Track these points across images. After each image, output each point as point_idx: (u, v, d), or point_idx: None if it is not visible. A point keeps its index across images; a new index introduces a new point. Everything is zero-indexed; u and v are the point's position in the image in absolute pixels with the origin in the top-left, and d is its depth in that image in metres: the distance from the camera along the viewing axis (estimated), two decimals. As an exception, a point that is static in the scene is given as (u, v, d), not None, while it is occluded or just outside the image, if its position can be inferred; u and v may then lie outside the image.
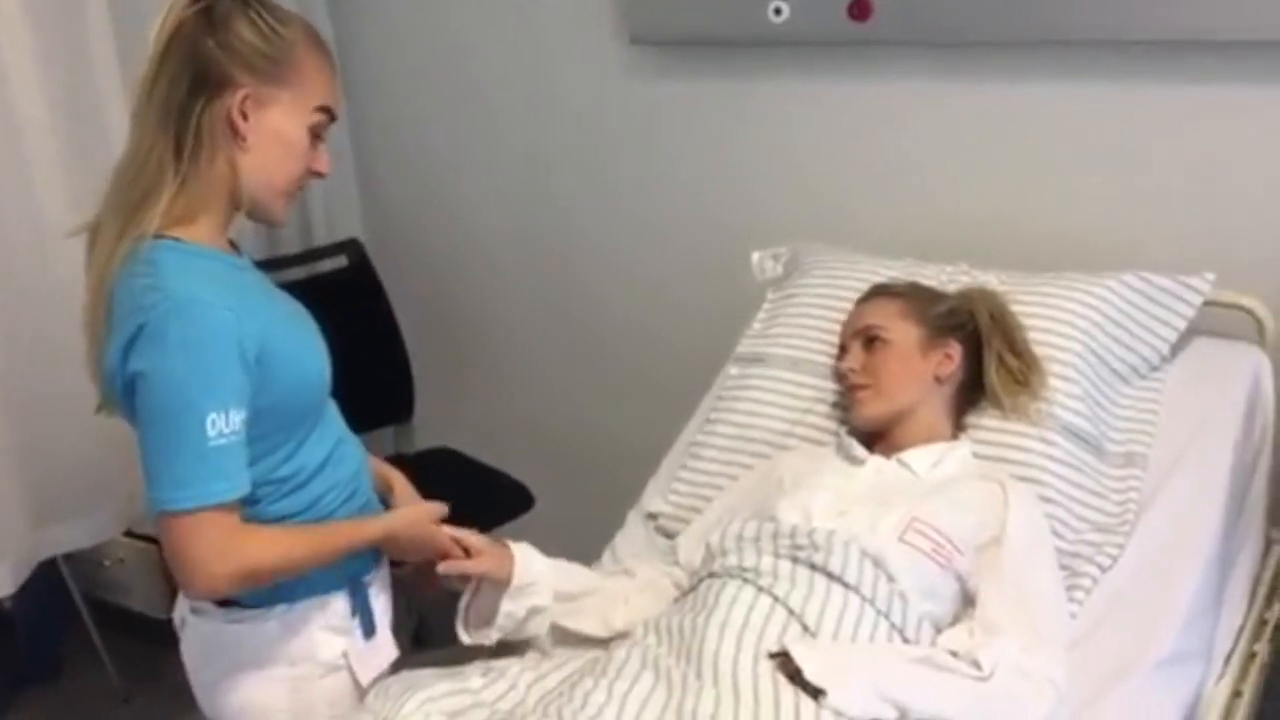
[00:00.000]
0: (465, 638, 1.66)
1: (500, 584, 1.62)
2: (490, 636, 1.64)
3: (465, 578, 1.63)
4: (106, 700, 2.81)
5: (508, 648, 1.71)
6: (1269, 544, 1.95)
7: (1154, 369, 1.90)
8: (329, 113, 1.48)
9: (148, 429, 1.36)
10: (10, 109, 2.15)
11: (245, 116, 1.41)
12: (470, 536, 1.62)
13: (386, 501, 1.68)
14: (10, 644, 2.85)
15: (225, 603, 1.51)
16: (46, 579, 2.68)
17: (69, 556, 2.69)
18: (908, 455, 1.69)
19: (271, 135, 1.44)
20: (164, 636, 2.82)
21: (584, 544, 1.78)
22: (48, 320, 2.22)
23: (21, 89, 2.15)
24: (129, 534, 2.81)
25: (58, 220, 2.21)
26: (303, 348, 1.50)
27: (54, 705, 2.83)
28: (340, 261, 2.80)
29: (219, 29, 1.39)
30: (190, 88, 1.39)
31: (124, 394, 1.38)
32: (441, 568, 1.59)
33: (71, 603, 2.82)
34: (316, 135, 1.48)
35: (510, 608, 1.62)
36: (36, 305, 2.20)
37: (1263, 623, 1.81)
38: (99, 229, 1.44)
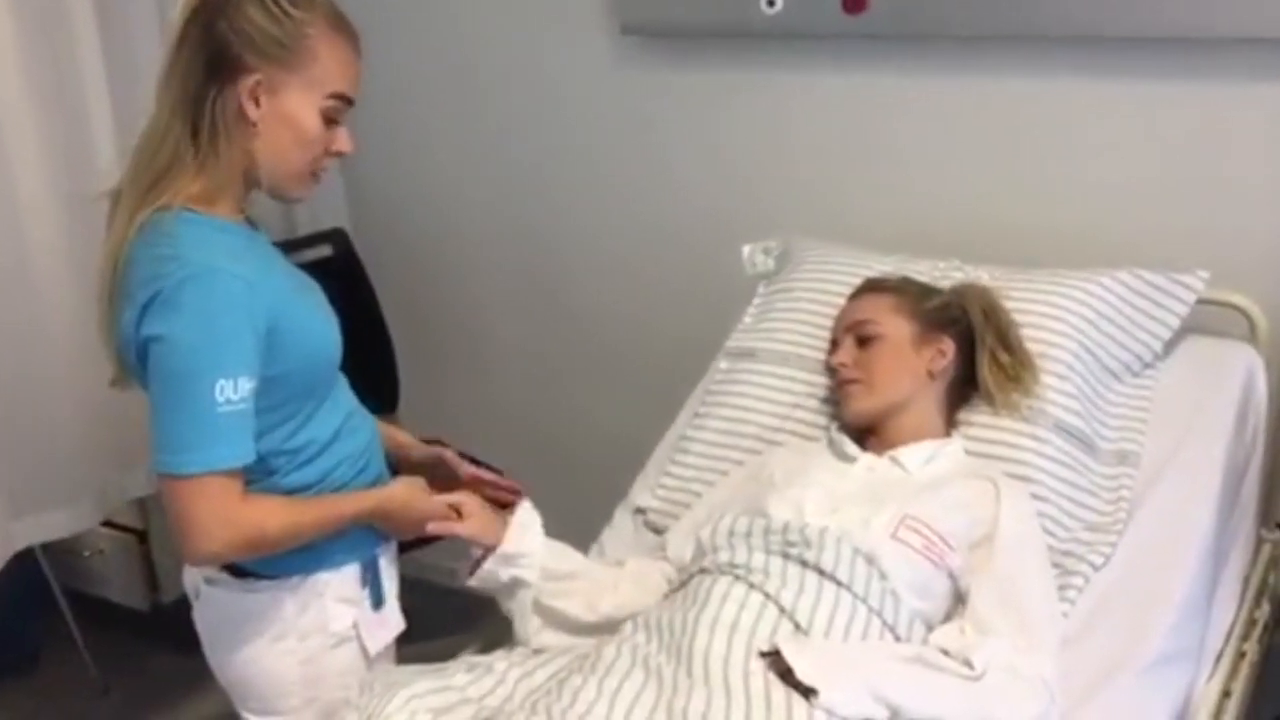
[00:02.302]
0: (465, 579, 1.70)
1: (490, 548, 1.66)
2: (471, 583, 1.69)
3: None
4: (85, 692, 2.79)
5: (494, 643, 1.71)
6: (1259, 543, 1.94)
7: (1147, 366, 1.89)
8: (344, 99, 1.48)
9: (157, 393, 1.38)
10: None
11: (257, 102, 1.42)
12: (465, 499, 1.67)
13: (394, 463, 1.71)
14: (-13, 635, 2.82)
15: (241, 573, 1.54)
16: (24, 570, 2.65)
17: (47, 547, 2.67)
18: (900, 452, 1.68)
19: (283, 120, 1.44)
20: (143, 628, 2.83)
21: (570, 538, 1.77)
22: (25, 309, 2.20)
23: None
24: (108, 525, 2.79)
25: (34, 205, 2.18)
26: (314, 320, 1.53)
27: (32, 697, 2.81)
28: (324, 251, 2.77)
29: (230, 10, 1.40)
30: (205, 74, 1.41)
31: (138, 360, 1.41)
32: (430, 527, 1.63)
33: (50, 594, 2.80)
34: (332, 120, 1.48)
35: (493, 568, 1.66)
36: (14, 294, 2.18)
37: (1252, 622, 1.81)
38: (119, 200, 1.47)
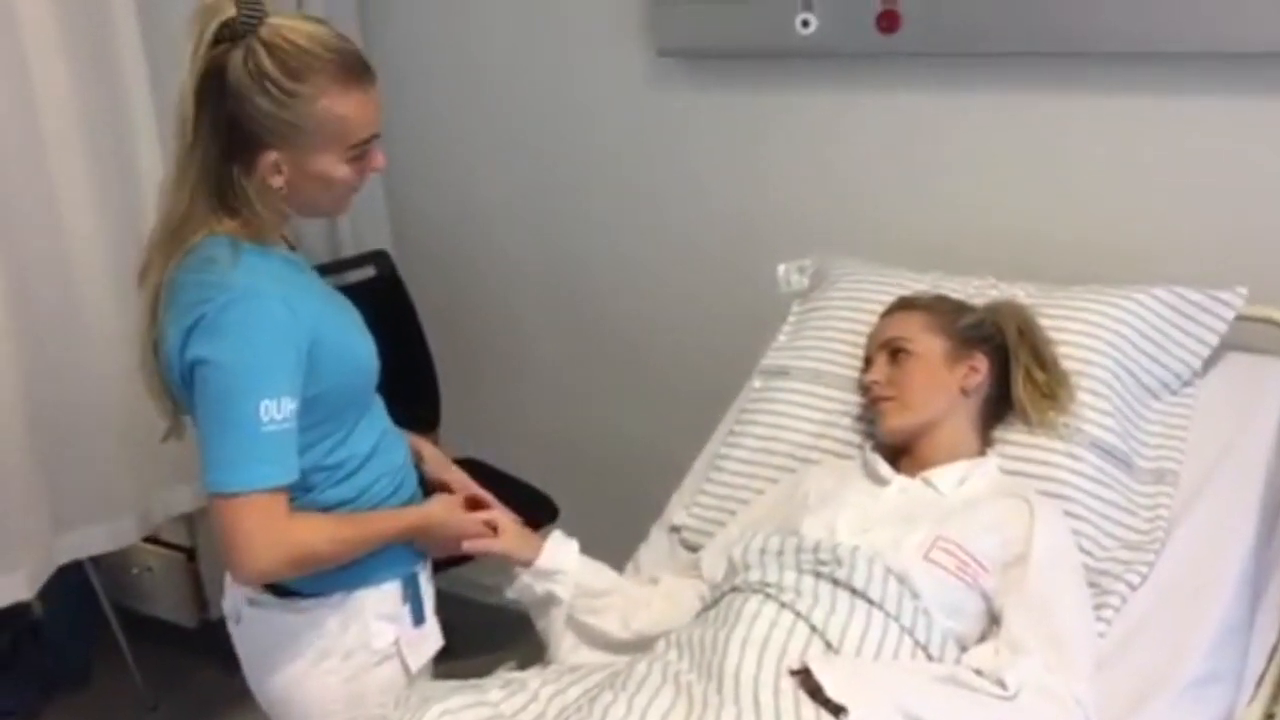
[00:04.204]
0: (508, 592, 1.75)
1: (525, 564, 1.70)
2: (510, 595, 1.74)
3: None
4: (133, 707, 2.83)
5: (530, 660, 1.72)
6: (1303, 562, 1.91)
7: (1186, 384, 1.87)
8: (368, 141, 1.48)
9: (204, 414, 1.41)
10: (32, 107, 2.15)
11: (281, 171, 1.44)
12: (499, 515, 1.70)
13: (419, 470, 1.73)
14: (40, 651, 2.87)
15: (284, 592, 1.56)
16: (75, 586, 2.71)
17: (97, 564, 2.71)
18: (933, 474, 1.68)
19: (310, 179, 1.46)
20: (191, 644, 2.87)
21: (607, 555, 1.78)
22: (69, 325, 2.24)
23: (44, 83, 2.14)
24: (157, 542, 2.83)
25: (79, 229, 2.23)
26: (351, 340, 1.55)
27: (82, 712, 2.85)
28: (368, 272, 2.81)
29: (238, 102, 1.39)
30: (224, 152, 1.41)
31: (182, 383, 1.44)
32: (466, 545, 1.66)
33: (100, 610, 2.84)
34: (362, 153, 1.48)
35: (529, 581, 1.70)
36: (59, 311, 2.22)
37: (1295, 643, 1.78)
38: (149, 268, 1.49)
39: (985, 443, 1.76)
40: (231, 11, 1.37)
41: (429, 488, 1.72)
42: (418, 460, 1.73)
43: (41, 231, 2.18)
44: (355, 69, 1.44)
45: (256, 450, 1.39)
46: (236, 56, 1.37)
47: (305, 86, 1.39)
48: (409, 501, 1.64)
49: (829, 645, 1.43)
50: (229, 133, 1.40)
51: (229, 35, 1.38)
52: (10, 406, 2.15)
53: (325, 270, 2.74)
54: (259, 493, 1.39)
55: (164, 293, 1.45)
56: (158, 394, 1.53)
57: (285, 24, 1.40)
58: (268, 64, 1.37)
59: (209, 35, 1.38)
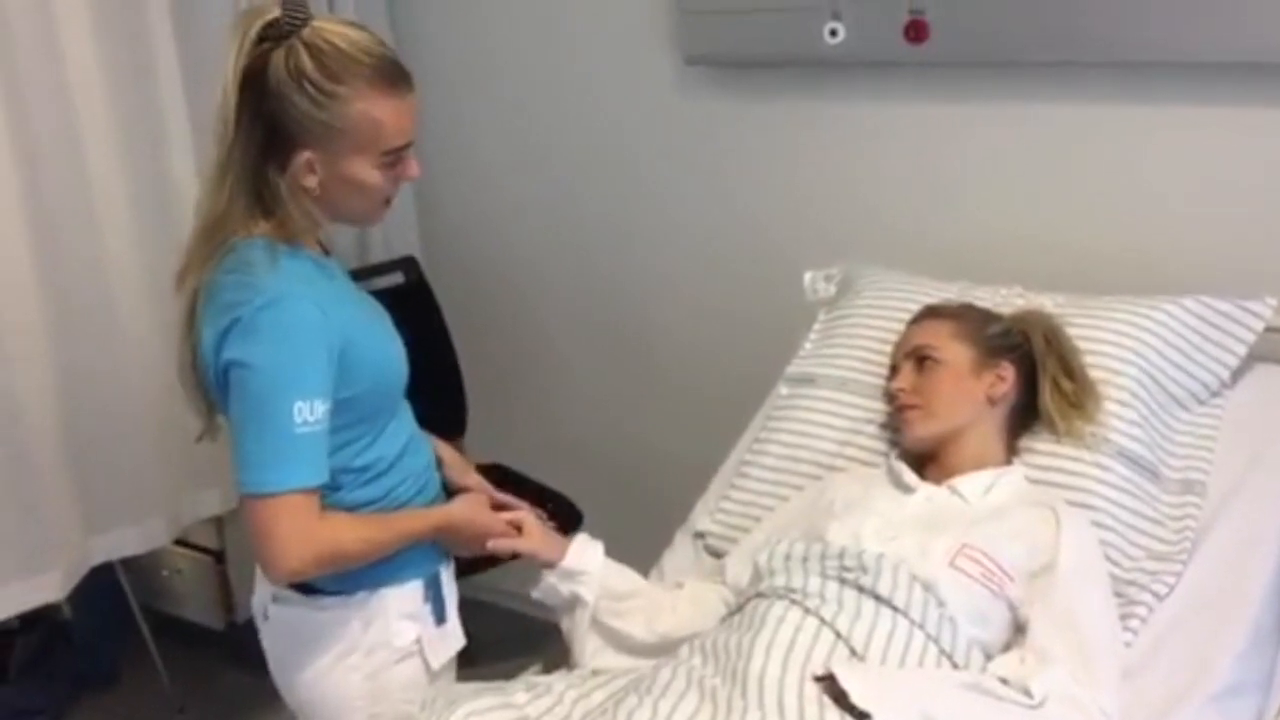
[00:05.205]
0: (533, 593, 1.75)
1: (550, 564, 1.70)
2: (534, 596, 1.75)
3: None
4: (161, 709, 2.85)
5: (555, 666, 1.73)
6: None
7: (1214, 395, 1.86)
8: (401, 148, 1.49)
9: (238, 416, 1.43)
10: (69, 111, 2.17)
11: (314, 171, 1.45)
12: (524, 515, 1.72)
13: (440, 474, 1.74)
14: (69, 651, 2.90)
15: (308, 590, 1.57)
16: (105, 588, 2.73)
17: (127, 566, 2.74)
18: (959, 482, 1.68)
19: (343, 182, 1.47)
20: (219, 647, 2.90)
21: (631, 561, 1.79)
22: (103, 328, 2.27)
23: (80, 88, 2.17)
24: (186, 545, 2.86)
25: (114, 232, 2.26)
26: (382, 344, 1.57)
27: (110, 713, 2.88)
28: (396, 278, 2.83)
29: (276, 100, 1.41)
30: (261, 152, 1.44)
31: (218, 384, 1.47)
32: (491, 544, 1.67)
33: (129, 612, 2.87)
34: (395, 161, 1.49)
35: (554, 582, 1.71)
36: (93, 313, 2.25)
37: (1325, 655, 1.76)
38: (186, 272, 1.51)
39: (1011, 452, 1.76)
40: (276, 13, 1.41)
41: (449, 492, 1.73)
42: (439, 464, 1.74)
43: (76, 234, 2.21)
44: (393, 75, 1.47)
45: (291, 451, 1.41)
46: (278, 56, 1.40)
47: (343, 88, 1.42)
48: (432, 503, 1.66)
49: (854, 651, 1.44)
50: (267, 131, 1.43)
51: (273, 35, 1.41)
52: (44, 409, 2.18)
53: (354, 276, 2.71)
54: (293, 493, 1.42)
55: (201, 294, 1.48)
56: (195, 395, 1.55)
57: (327, 27, 1.43)
58: (308, 64, 1.40)
59: (253, 34, 1.41)
